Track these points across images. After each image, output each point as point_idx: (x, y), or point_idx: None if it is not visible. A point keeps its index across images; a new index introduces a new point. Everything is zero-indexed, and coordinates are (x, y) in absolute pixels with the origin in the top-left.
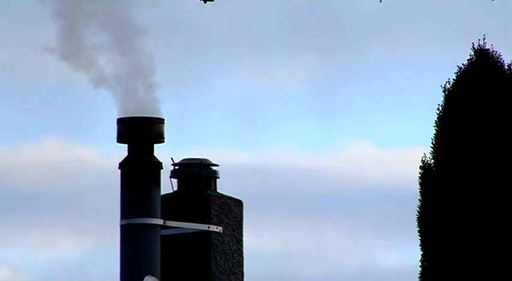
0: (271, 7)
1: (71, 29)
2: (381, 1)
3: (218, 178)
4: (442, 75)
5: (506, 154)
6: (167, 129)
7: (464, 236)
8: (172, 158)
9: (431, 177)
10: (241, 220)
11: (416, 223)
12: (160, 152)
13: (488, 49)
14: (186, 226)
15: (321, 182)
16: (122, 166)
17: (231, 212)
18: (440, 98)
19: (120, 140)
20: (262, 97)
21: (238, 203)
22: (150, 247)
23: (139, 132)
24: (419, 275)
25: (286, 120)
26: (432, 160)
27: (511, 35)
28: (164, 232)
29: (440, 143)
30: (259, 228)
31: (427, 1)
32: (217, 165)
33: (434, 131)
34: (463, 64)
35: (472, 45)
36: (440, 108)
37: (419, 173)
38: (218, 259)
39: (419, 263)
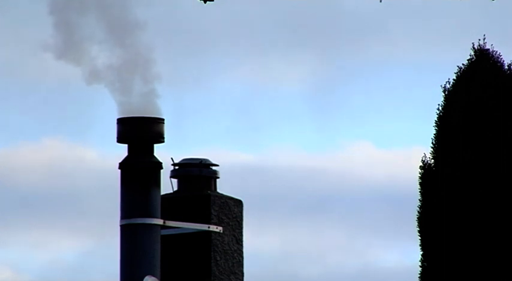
0: (271, 7)
1: (66, 26)
2: (381, 1)
3: (218, 178)
4: (442, 75)
5: (506, 154)
6: (167, 130)
7: (464, 236)
8: (172, 158)
9: (431, 177)
10: (241, 220)
11: (416, 223)
12: (160, 152)
13: (488, 49)
14: (186, 226)
15: (321, 182)
16: (122, 166)
17: (231, 212)
18: (440, 98)
19: (120, 140)
20: (262, 97)
21: (238, 203)
22: (150, 247)
23: (139, 132)
24: (419, 275)
25: (286, 120)
26: (432, 160)
27: (511, 35)
28: (164, 232)
29: (440, 143)
30: (259, 228)
31: (427, 1)
32: (217, 165)
33: (434, 131)
34: (463, 64)
35: (472, 45)
36: (440, 108)
37: (419, 173)
38: (218, 259)
39: (419, 263)
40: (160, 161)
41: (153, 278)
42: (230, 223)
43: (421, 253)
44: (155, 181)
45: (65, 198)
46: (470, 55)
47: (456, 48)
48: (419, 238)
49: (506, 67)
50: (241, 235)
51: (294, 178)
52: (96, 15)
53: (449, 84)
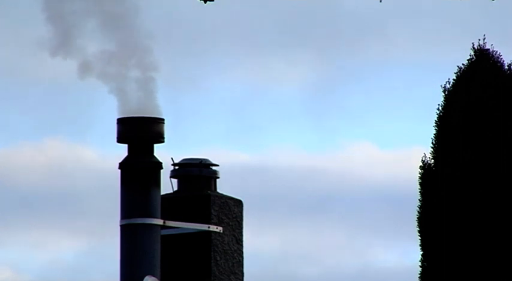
0: (271, 7)
1: (60, 21)
2: (381, 1)
3: (218, 178)
4: (442, 75)
5: (506, 154)
6: (167, 130)
7: (464, 236)
8: (172, 158)
9: (431, 177)
10: (241, 220)
11: (416, 223)
12: (160, 152)
13: (488, 49)
14: (186, 226)
15: (321, 182)
16: (122, 166)
17: (231, 212)
18: (440, 98)
19: (120, 140)
20: (262, 97)
21: (238, 203)
22: (150, 247)
23: (139, 132)
24: (419, 275)
25: (286, 120)
26: (432, 160)
27: (511, 35)
28: (164, 232)
29: (440, 143)
30: (259, 228)
31: (427, 1)
32: (217, 165)
33: (434, 131)
34: (463, 64)
35: (472, 45)
36: (440, 108)
37: (419, 173)
38: (218, 259)
39: (419, 263)
40: (160, 161)
41: (153, 278)
42: (230, 223)
43: (421, 253)
44: (155, 181)
45: (64, 198)
46: (470, 55)
47: (456, 48)
48: (419, 238)
49: (506, 67)
50: (241, 235)
51: (294, 178)
52: (90, 9)
53: (449, 84)
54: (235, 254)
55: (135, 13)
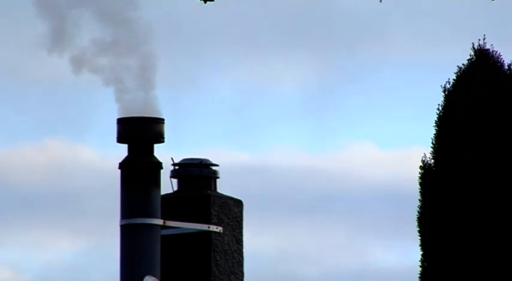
0: (271, 7)
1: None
2: (381, 1)
3: (218, 178)
4: (442, 75)
5: (506, 154)
6: (167, 130)
7: (464, 236)
8: (172, 158)
9: (431, 177)
10: (241, 220)
11: (416, 223)
12: (160, 152)
13: (488, 49)
14: (186, 226)
15: (321, 182)
16: (122, 166)
17: (231, 212)
18: (440, 98)
19: (120, 140)
20: (262, 97)
21: (238, 203)
22: (150, 247)
23: (139, 132)
24: (419, 275)
25: (286, 120)
26: (432, 160)
27: (511, 35)
28: (164, 232)
29: (440, 143)
30: (259, 228)
31: (427, 1)
32: (217, 165)
33: (434, 131)
34: (463, 64)
35: (472, 45)
36: (440, 108)
37: (419, 173)
38: (218, 259)
39: (419, 263)
40: (160, 161)
41: (153, 278)
42: (230, 223)
43: (421, 253)
44: (155, 181)
45: (64, 198)
46: (470, 55)
47: (456, 48)
48: (419, 238)
49: (506, 67)
50: (241, 235)
51: (294, 178)
52: (88, 7)
53: (449, 84)
54: (235, 254)
55: (134, 8)
